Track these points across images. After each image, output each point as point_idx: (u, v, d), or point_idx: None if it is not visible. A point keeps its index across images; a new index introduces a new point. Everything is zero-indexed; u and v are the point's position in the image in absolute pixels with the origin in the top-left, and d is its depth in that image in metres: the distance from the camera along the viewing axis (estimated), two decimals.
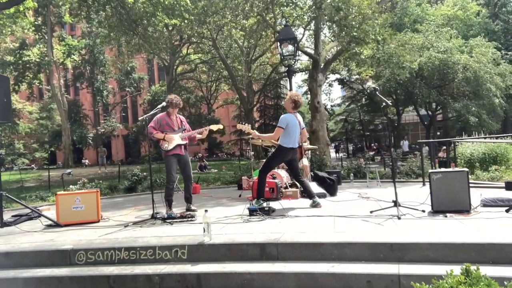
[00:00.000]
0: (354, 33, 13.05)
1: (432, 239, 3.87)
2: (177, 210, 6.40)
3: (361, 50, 14.34)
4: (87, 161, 43.28)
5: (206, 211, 4.44)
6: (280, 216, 5.62)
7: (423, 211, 5.22)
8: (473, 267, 2.16)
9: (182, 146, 6.49)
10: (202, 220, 4.43)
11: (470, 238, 3.85)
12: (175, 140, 6.38)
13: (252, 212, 5.76)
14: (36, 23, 29.45)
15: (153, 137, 6.30)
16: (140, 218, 6.04)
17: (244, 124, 6.76)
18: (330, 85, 41.99)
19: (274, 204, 6.28)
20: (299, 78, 76.54)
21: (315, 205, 6.34)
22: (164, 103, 6.45)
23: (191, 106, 44.29)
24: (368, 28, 13.40)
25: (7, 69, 31.02)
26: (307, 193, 6.72)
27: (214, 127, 6.84)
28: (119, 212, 7.19)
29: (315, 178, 8.34)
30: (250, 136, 7.38)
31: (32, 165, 41.23)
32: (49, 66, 33.05)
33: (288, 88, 12.25)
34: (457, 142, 11.79)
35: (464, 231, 4.15)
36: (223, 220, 5.58)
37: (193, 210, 6.47)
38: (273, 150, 9.69)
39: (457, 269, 3.29)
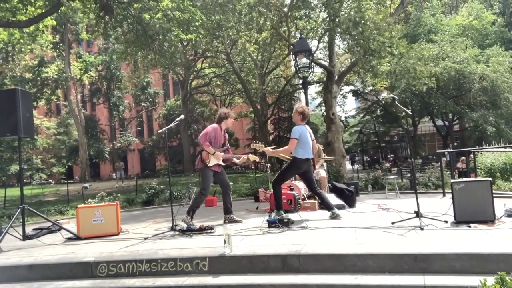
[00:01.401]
0: (371, 46, 12.99)
1: (457, 250, 3.79)
2: (189, 222, 6.38)
3: (379, 63, 14.25)
4: (114, 174, 43.42)
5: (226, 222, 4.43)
6: (300, 228, 5.58)
7: (446, 221, 5.14)
8: (508, 277, 2.10)
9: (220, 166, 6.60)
10: (223, 231, 4.42)
11: (497, 248, 3.76)
12: (218, 159, 6.46)
13: (271, 224, 5.73)
14: (54, 40, 30.15)
15: (204, 147, 6.33)
16: (160, 231, 6.04)
17: (257, 143, 6.77)
18: (344, 96, 41.84)
19: (292, 216, 6.25)
20: (312, 90, 76.64)
21: (334, 216, 6.28)
22: (182, 116, 6.67)
23: (206, 119, 44.56)
24: (383, 40, 13.36)
25: (26, 85, 31.70)
26: (325, 204, 6.65)
27: (252, 158, 7.01)
28: (138, 225, 7.22)
29: (333, 190, 8.28)
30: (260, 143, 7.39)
31: (50, 180, 41.79)
32: (67, 82, 33.73)
33: (302, 100, 12.29)
34: (477, 152, 11.60)
35: (490, 242, 4.07)
36: (242, 232, 5.56)
37: (237, 221, 6.49)
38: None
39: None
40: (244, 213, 8.05)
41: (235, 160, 6.84)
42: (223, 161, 6.63)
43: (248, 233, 5.44)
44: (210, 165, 6.38)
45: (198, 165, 6.48)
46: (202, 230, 5.79)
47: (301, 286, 3.79)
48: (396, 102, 5.88)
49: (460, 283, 3.37)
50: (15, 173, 38.49)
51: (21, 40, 18.76)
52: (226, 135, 6.80)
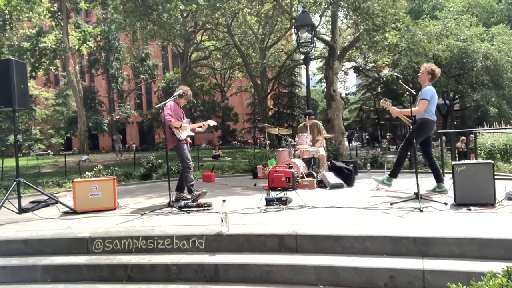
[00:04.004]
0: (376, 22, 12.73)
1: (457, 234, 3.74)
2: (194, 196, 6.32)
3: (386, 37, 13.94)
4: (134, 145, 43.42)
5: (224, 201, 4.37)
6: (298, 207, 5.53)
7: (446, 203, 5.08)
8: None
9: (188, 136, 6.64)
10: (220, 210, 4.36)
11: (498, 233, 3.69)
12: (187, 130, 6.51)
13: (269, 202, 5.69)
14: (52, 9, 29.54)
15: (170, 124, 6.26)
16: (157, 206, 6.01)
17: (386, 101, 6.34)
18: (346, 73, 41.42)
19: (290, 194, 6.18)
20: (313, 66, 75.31)
21: (441, 191, 6.08)
22: (180, 91, 6.46)
23: (205, 93, 44.28)
24: (389, 13, 13.09)
25: (24, 55, 31.23)
26: (436, 175, 6.27)
27: (211, 123, 7.02)
28: (135, 200, 7.19)
29: (332, 168, 8.21)
30: (265, 124, 7.26)
31: (49, 151, 41.78)
32: (65, 53, 33.22)
33: (303, 76, 12.13)
34: (477, 132, 11.50)
35: (490, 226, 4.01)
36: (240, 210, 5.50)
37: (188, 198, 6.44)
38: (289, 138, 9.58)
39: (485, 266, 3.18)
40: (242, 190, 8.01)
41: (198, 129, 6.87)
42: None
43: (245, 211, 5.39)
44: (183, 137, 6.39)
45: (173, 143, 6.40)
46: (199, 207, 5.75)
47: (298, 267, 3.76)
48: (400, 81, 5.73)
49: (459, 268, 3.33)
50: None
51: (18, 8, 18.36)
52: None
